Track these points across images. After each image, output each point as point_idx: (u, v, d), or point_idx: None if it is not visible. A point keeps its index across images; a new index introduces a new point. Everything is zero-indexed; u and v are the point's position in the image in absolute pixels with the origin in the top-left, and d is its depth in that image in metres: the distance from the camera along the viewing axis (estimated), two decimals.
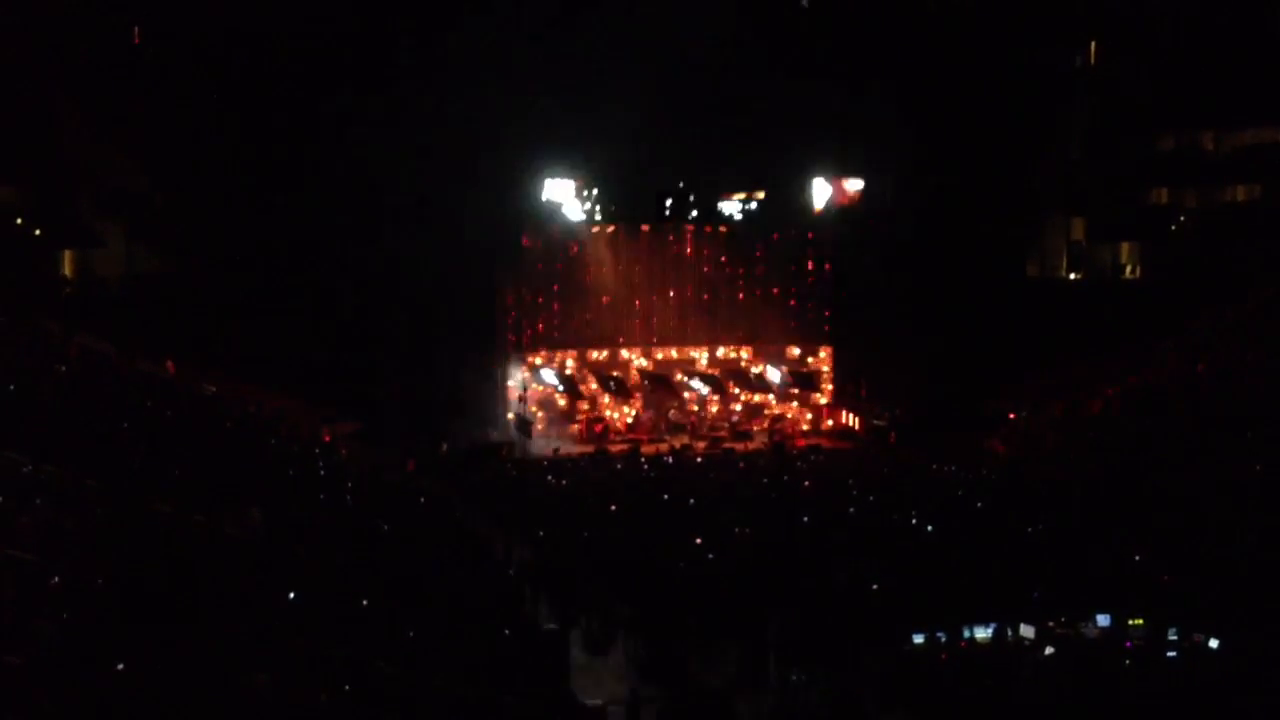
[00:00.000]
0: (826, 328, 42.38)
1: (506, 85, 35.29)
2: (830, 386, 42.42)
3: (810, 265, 42.28)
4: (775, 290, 42.14)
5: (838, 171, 40.52)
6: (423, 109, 34.76)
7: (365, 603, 14.58)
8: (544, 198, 39.25)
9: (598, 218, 39.95)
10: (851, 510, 24.52)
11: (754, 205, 40.93)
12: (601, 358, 41.56)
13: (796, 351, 42.58)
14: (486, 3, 35.75)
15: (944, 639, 15.16)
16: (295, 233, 35.47)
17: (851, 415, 41.13)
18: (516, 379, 40.34)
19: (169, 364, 29.96)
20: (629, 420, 40.66)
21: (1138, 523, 20.44)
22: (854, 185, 40.73)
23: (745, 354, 42.52)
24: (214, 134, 35.23)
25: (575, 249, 40.66)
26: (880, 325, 38.66)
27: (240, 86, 35.51)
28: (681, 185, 40.35)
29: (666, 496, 26.66)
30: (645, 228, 41.18)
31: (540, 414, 40.30)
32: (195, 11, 35.71)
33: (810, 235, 41.87)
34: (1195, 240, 38.26)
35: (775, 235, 41.82)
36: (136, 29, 37.21)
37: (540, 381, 40.76)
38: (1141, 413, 29.56)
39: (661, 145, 38.01)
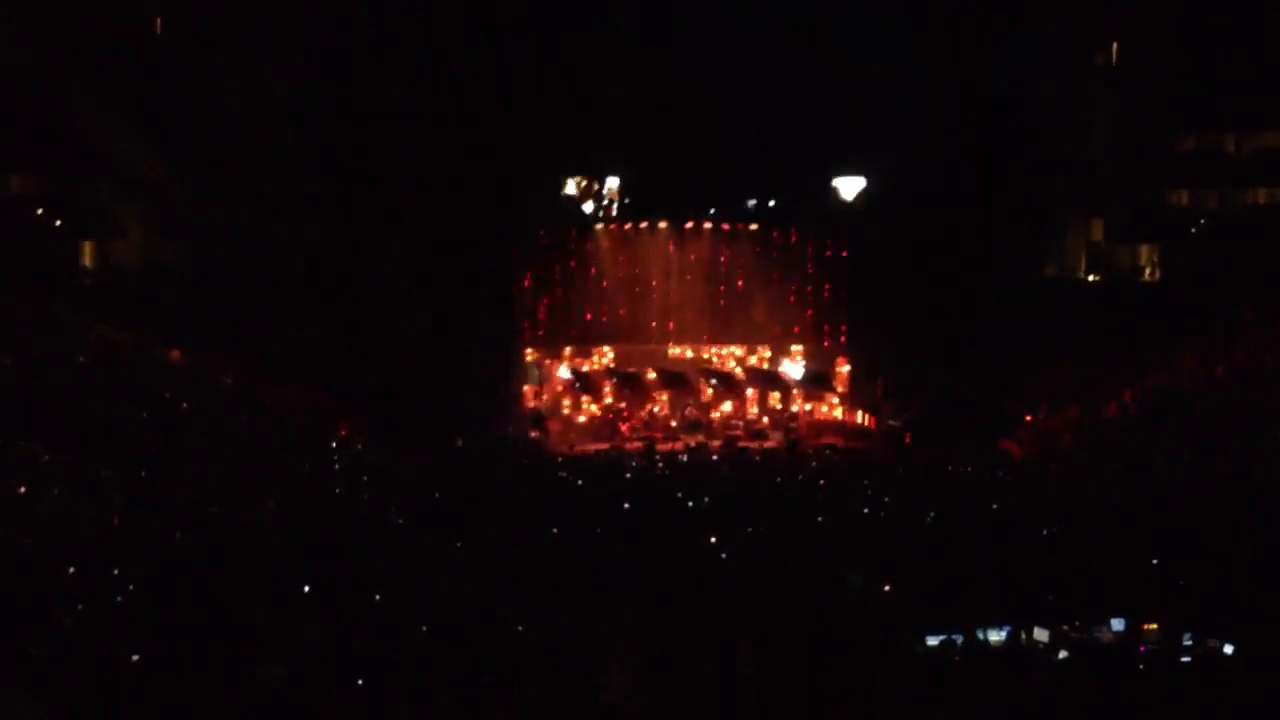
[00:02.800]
0: (844, 327, 42.24)
1: (524, 83, 35.31)
2: (846, 386, 42.31)
3: (828, 263, 42.14)
4: (793, 288, 42.03)
5: (857, 170, 40.38)
6: (440, 105, 34.79)
7: (378, 596, 14.63)
8: (562, 195, 39.22)
9: (615, 215, 39.89)
10: (866, 510, 24.46)
11: (772, 203, 40.78)
12: (618, 355, 41.51)
13: (813, 350, 42.45)
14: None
15: (958, 642, 15.11)
16: (313, 226, 35.55)
17: (867, 415, 41.01)
18: (533, 376, 40.35)
19: (175, 353, 30.10)
20: (644, 418, 40.60)
21: (1153, 526, 20.36)
22: (873, 184, 40.55)
23: (762, 352, 42.42)
24: (233, 125, 35.32)
25: (592, 246, 40.63)
26: (897, 325, 38.56)
27: (259, 78, 35.57)
28: (700, 183, 40.24)
29: (681, 494, 26.65)
30: (663, 225, 41.13)
31: (556, 411, 40.32)
32: (216, 2, 35.82)
33: (828, 234, 41.71)
34: (1215, 242, 38.03)
35: (794, 234, 41.71)
36: (158, 19, 37.32)
37: (557, 378, 40.77)
38: (1159, 415, 29.43)
39: (680, 142, 37.91)
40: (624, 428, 39.46)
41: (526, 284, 40.10)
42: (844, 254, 41.86)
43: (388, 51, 35.30)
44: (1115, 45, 40.63)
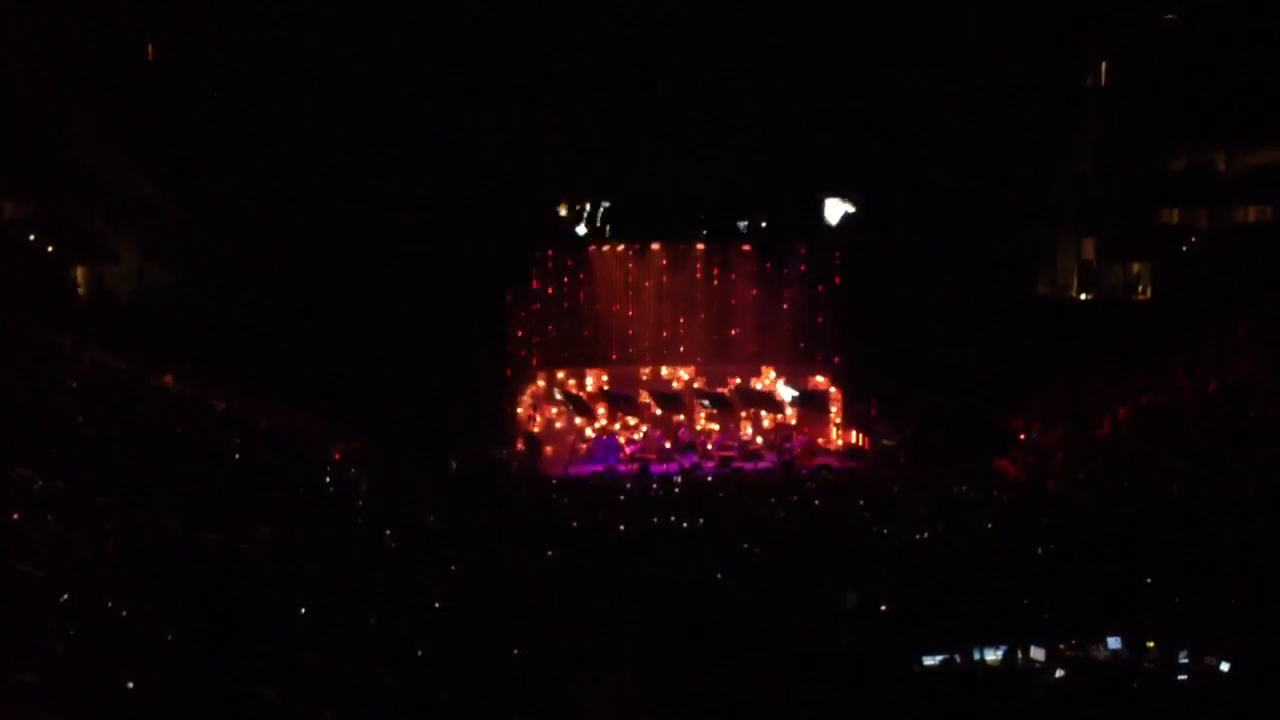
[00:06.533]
0: (837, 346, 42.29)
1: (515, 101, 35.41)
2: (840, 406, 42.32)
3: (820, 284, 42.20)
4: (785, 308, 42.11)
5: (849, 189, 40.47)
6: (434, 126, 34.88)
7: (373, 620, 14.59)
8: (555, 215, 39.30)
9: (607, 235, 39.96)
10: (861, 530, 24.45)
11: (764, 223, 40.86)
12: (611, 377, 41.55)
13: (806, 370, 42.50)
14: (497, 22, 35.87)
15: (954, 661, 15.09)
16: (306, 248, 35.58)
17: (861, 435, 41.02)
18: (526, 397, 40.36)
19: (168, 378, 30.08)
20: (638, 440, 40.62)
21: (1149, 543, 20.35)
22: (865, 203, 40.64)
23: (755, 372, 42.44)
24: (227, 149, 35.40)
25: (585, 268, 40.70)
26: (890, 344, 38.61)
27: (253, 103, 35.66)
28: (692, 203, 40.34)
29: (674, 517, 26.63)
30: (655, 246, 41.20)
31: (549, 433, 40.30)
32: (210, 26, 35.92)
33: (820, 253, 41.77)
34: (1206, 260, 38.19)
35: (785, 253, 41.78)
36: (150, 43, 37.41)
37: (550, 400, 40.78)
38: (1152, 432, 29.44)
39: (672, 162, 38.01)
40: (624, 451, 39.46)
41: (519, 306, 40.19)
42: (836, 275, 41.95)
43: (382, 74, 35.38)
44: (1104, 64, 40.85)
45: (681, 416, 41.11)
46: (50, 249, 35.05)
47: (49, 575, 12.12)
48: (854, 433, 41.47)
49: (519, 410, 40.18)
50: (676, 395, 41.32)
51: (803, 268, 42.00)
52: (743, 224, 40.88)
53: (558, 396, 40.79)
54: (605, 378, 41.59)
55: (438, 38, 35.70)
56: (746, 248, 41.55)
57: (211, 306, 35.33)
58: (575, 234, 39.66)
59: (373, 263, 35.72)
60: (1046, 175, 40.68)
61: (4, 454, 16.32)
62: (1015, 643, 15.27)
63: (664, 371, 42.01)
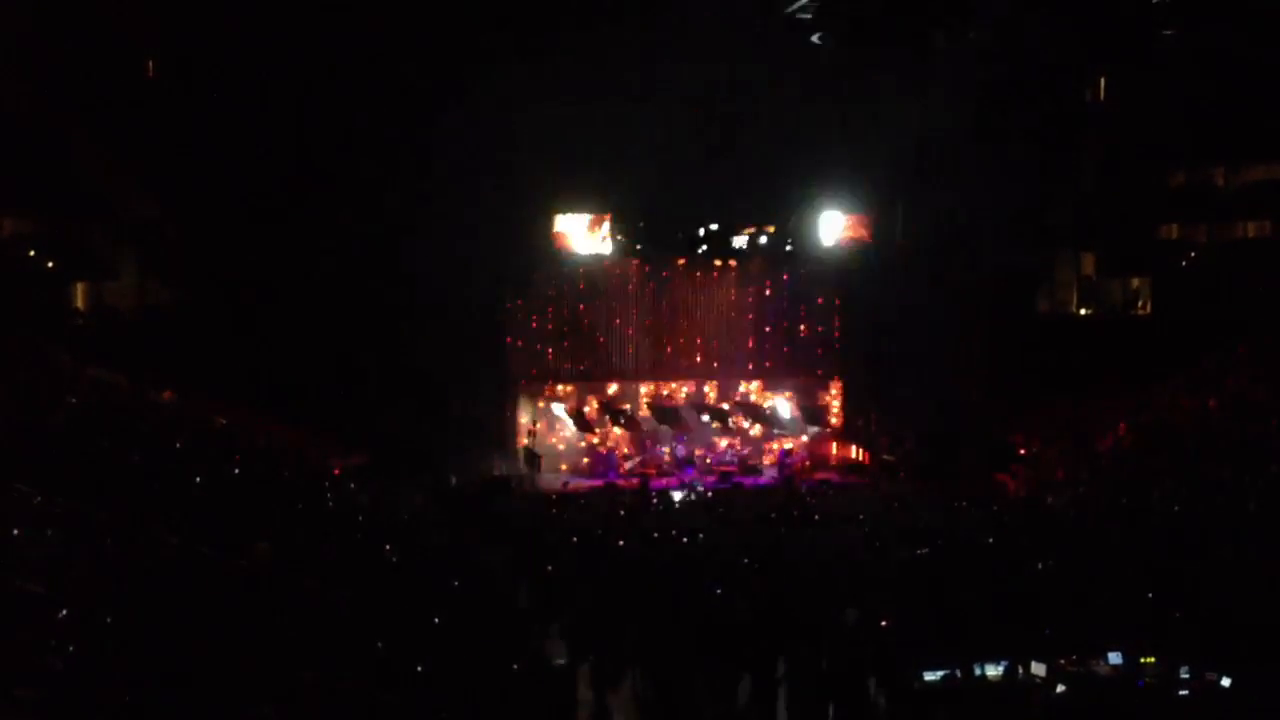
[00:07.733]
0: (836, 361, 42.31)
1: (519, 118, 35.41)
2: (840, 421, 42.31)
3: (820, 299, 42.23)
4: (785, 324, 42.13)
5: (848, 205, 40.51)
6: (437, 143, 34.88)
7: (373, 637, 14.56)
8: (555, 231, 39.32)
9: (609, 251, 39.96)
10: (861, 545, 24.41)
11: (764, 239, 40.86)
12: (611, 392, 41.52)
13: (806, 385, 42.50)
14: (500, 38, 35.93)
15: (955, 676, 15.06)
16: (307, 266, 35.58)
17: (861, 449, 41.01)
18: (526, 413, 40.32)
19: (167, 394, 30.08)
20: (638, 455, 40.56)
21: (1149, 559, 20.33)
22: (864, 219, 40.68)
23: (754, 388, 42.43)
24: (228, 166, 35.40)
25: (585, 283, 40.70)
26: (890, 359, 38.60)
27: (254, 119, 35.68)
28: (692, 219, 40.34)
29: (674, 531, 26.59)
30: (655, 262, 41.19)
31: (549, 448, 40.23)
32: (210, 44, 35.96)
33: (820, 269, 41.78)
34: (1206, 275, 38.23)
35: (785, 269, 41.81)
36: (150, 60, 37.47)
37: (550, 415, 40.74)
38: (1152, 448, 29.44)
39: (674, 180, 38.00)
40: (623, 466, 39.43)
41: (519, 321, 40.19)
42: (835, 292, 41.97)
43: (383, 89, 35.43)
44: (1103, 80, 40.93)
45: (681, 432, 41.04)
46: (50, 265, 35.09)
47: (48, 591, 12.10)
48: (854, 448, 41.47)
49: (519, 426, 40.13)
50: (675, 410, 41.27)
51: (801, 286, 42.02)
52: (742, 239, 40.86)
53: (557, 412, 40.75)
54: (605, 393, 41.52)
55: (438, 52, 35.74)
56: (744, 262, 41.51)
57: (212, 323, 35.29)
58: (574, 249, 39.65)
59: (372, 278, 35.71)
60: (1046, 190, 40.68)
61: (3, 470, 16.32)
62: (1016, 658, 15.24)
63: (663, 387, 41.94)
